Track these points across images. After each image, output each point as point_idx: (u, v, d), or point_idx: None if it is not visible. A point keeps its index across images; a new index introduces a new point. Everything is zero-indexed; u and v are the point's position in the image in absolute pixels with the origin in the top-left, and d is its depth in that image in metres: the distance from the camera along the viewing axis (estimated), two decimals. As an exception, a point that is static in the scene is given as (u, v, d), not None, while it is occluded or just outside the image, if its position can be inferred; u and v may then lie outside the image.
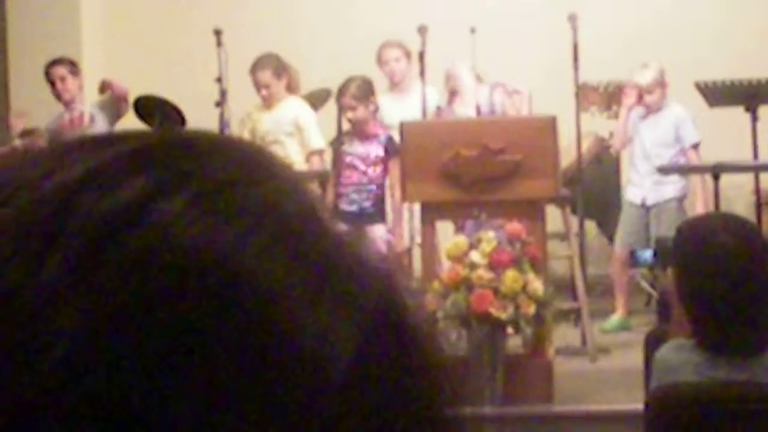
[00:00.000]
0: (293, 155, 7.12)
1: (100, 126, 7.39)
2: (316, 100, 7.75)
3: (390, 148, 6.36)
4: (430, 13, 7.75)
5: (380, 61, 7.35)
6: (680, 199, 7.35)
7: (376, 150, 6.36)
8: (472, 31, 7.22)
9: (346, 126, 6.87)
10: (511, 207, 5.69)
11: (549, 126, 5.77)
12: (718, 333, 2.94)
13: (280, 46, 8.69)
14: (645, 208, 7.24)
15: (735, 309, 2.92)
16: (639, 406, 3.08)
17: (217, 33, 7.20)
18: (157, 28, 9.25)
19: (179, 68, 8.04)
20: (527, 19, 8.53)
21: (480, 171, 5.64)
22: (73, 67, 7.52)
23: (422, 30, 6.92)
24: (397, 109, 7.29)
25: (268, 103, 7.28)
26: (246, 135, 7.28)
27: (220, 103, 7.12)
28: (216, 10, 8.73)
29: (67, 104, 7.47)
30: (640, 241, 7.27)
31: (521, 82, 7.43)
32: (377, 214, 6.29)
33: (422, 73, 6.89)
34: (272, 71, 7.29)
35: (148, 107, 7.97)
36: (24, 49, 8.69)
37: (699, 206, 7.32)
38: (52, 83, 7.46)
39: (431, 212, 5.79)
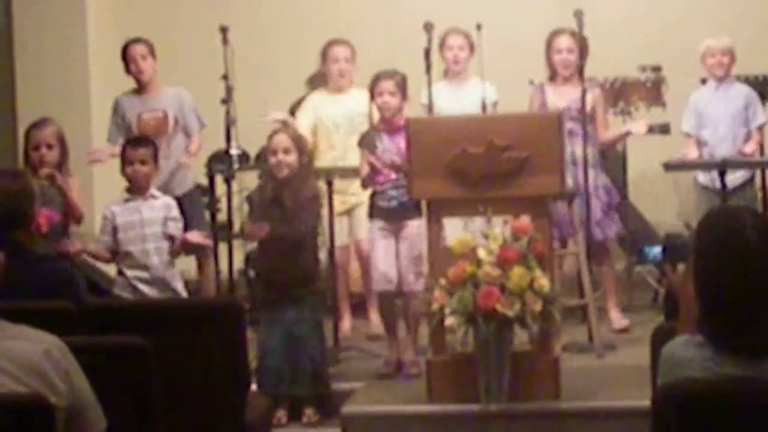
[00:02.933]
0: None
1: (180, 139, 7.28)
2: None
3: None
4: (436, 9, 7.73)
5: (444, 45, 7.27)
6: (751, 180, 7.29)
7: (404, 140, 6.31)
8: (478, 27, 7.21)
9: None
10: (518, 203, 5.68)
11: (555, 122, 5.77)
12: (728, 329, 2.93)
13: (286, 44, 8.71)
14: (718, 191, 7.13)
15: (748, 306, 2.91)
16: (646, 402, 3.07)
17: (223, 30, 7.19)
18: (163, 26, 9.24)
19: (185, 66, 8.03)
20: (533, 14, 8.52)
21: (486, 167, 5.63)
22: (152, 47, 7.31)
23: (428, 27, 6.90)
24: (453, 100, 7.23)
25: (339, 84, 7.20)
26: (308, 123, 7.24)
27: (226, 101, 7.10)
28: (222, 8, 8.73)
29: (144, 87, 7.27)
30: None
31: (526, 78, 7.42)
32: (414, 208, 6.24)
33: (428, 69, 6.88)
34: (351, 50, 7.24)
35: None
36: (30, 49, 8.69)
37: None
38: (131, 62, 7.25)
39: (437, 209, 5.78)
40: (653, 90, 7.77)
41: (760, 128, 7.32)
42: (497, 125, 5.80)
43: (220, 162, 7.40)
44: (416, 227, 6.24)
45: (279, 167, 6.07)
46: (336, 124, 7.22)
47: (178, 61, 8.60)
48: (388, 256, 6.30)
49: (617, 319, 7.11)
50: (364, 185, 6.47)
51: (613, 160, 7.74)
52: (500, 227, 5.59)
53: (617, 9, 8.64)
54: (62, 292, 4.32)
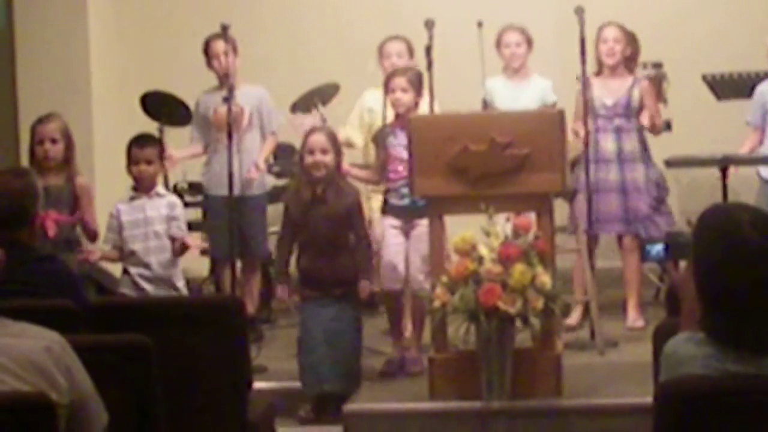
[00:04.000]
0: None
1: (255, 136, 7.25)
2: (324, 94, 7.74)
3: None
4: (436, 6, 7.73)
5: (500, 44, 7.26)
6: None
7: None
8: (479, 24, 7.21)
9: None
10: (519, 201, 5.69)
11: (556, 120, 5.77)
12: (730, 326, 2.93)
13: (287, 42, 8.71)
14: None
15: (749, 304, 2.91)
16: (648, 399, 3.07)
17: (224, 28, 7.19)
18: (164, 25, 9.25)
19: (187, 64, 8.03)
20: (534, 12, 8.51)
21: (487, 165, 5.63)
22: (235, 43, 7.20)
23: (429, 24, 6.90)
24: (512, 96, 7.21)
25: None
26: (364, 129, 7.23)
27: (227, 99, 7.11)
28: (222, 6, 8.73)
29: (222, 82, 7.18)
30: None
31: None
32: (427, 206, 6.24)
33: (429, 67, 6.88)
34: (406, 45, 7.14)
35: (156, 103, 7.98)
36: (31, 46, 8.68)
37: None
38: (214, 57, 7.19)
39: (439, 206, 5.79)
40: (654, 87, 7.76)
41: None
42: (498, 123, 5.80)
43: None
44: (427, 226, 6.25)
45: (317, 166, 6.10)
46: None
47: (179, 59, 8.61)
48: (398, 255, 6.32)
49: (634, 318, 7.10)
50: (375, 181, 6.51)
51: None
52: (501, 224, 5.60)
53: (618, 5, 8.62)
54: (64, 291, 4.32)
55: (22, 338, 2.96)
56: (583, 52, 6.94)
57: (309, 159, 6.13)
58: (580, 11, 6.88)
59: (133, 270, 6.16)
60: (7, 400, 2.83)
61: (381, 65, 7.17)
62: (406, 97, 6.32)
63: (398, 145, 6.28)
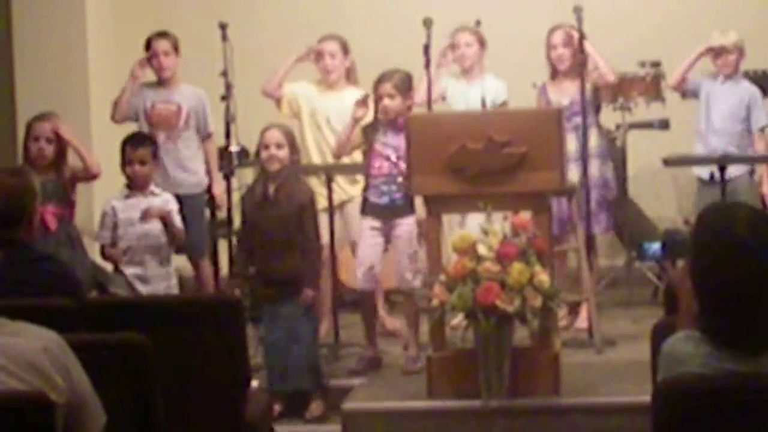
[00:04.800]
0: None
1: (190, 137, 7.25)
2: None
3: None
4: (435, 5, 7.73)
5: (452, 45, 7.28)
6: (751, 173, 7.30)
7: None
8: (478, 23, 7.21)
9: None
10: (517, 199, 5.69)
11: (554, 118, 5.77)
12: (727, 325, 2.93)
13: (285, 40, 8.69)
14: (715, 183, 7.16)
15: (746, 302, 2.91)
16: (646, 397, 3.07)
17: (222, 27, 7.19)
18: (161, 22, 9.23)
19: (184, 62, 8.01)
20: (532, 10, 8.52)
21: (485, 163, 5.63)
22: (177, 43, 7.27)
23: (427, 22, 6.90)
24: (462, 96, 7.23)
25: (330, 77, 7.18)
26: (305, 116, 7.22)
27: (225, 97, 7.11)
28: (221, 4, 8.72)
29: (163, 82, 7.25)
30: None
31: (526, 74, 7.42)
32: (407, 206, 6.26)
33: (427, 65, 6.88)
34: (340, 44, 7.23)
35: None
36: (29, 46, 8.68)
37: (765, 186, 7.29)
38: (154, 56, 7.22)
39: (437, 205, 5.79)
40: (653, 85, 7.76)
41: (762, 130, 7.32)
42: (496, 121, 5.81)
43: (219, 159, 7.41)
44: (409, 225, 6.28)
45: (270, 161, 6.11)
46: (327, 119, 7.20)
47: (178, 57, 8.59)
48: (375, 255, 6.33)
49: (582, 318, 7.03)
50: (337, 153, 6.64)
51: (612, 155, 7.74)
52: (500, 223, 5.60)
53: (616, 4, 8.64)
54: (62, 290, 4.32)
55: (19, 338, 2.95)
56: (581, 51, 6.94)
57: (263, 153, 6.16)
58: (578, 10, 6.89)
59: (127, 270, 6.17)
60: (4, 399, 2.82)
61: (316, 65, 7.20)
62: (394, 103, 6.32)
63: (384, 142, 6.30)
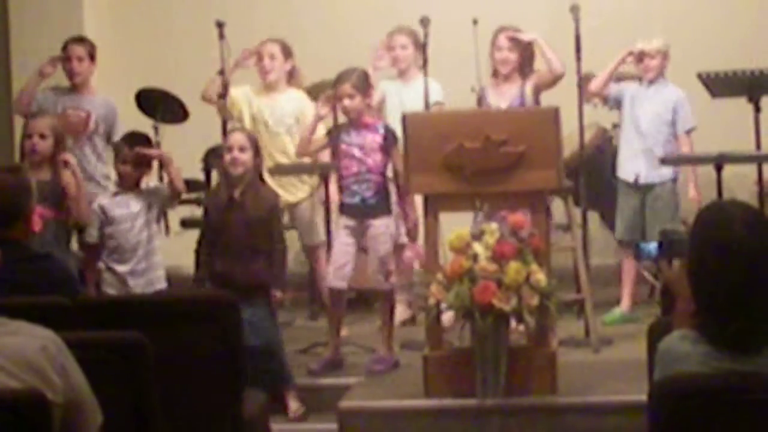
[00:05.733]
0: (291, 148, 7.10)
1: (96, 143, 7.26)
2: (319, 91, 7.73)
3: (388, 136, 6.36)
4: (432, 4, 7.73)
5: (387, 46, 7.32)
6: (674, 180, 7.35)
7: (372, 138, 6.35)
8: (475, 22, 7.20)
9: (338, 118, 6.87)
10: (514, 198, 5.69)
11: (552, 117, 5.77)
12: (723, 324, 2.94)
13: (282, 38, 8.68)
14: (638, 187, 7.24)
15: (742, 301, 2.92)
16: (642, 397, 3.08)
17: (219, 25, 7.19)
18: (159, 21, 9.24)
19: (181, 61, 8.04)
20: (529, 9, 8.52)
21: (483, 162, 5.64)
22: (93, 50, 7.31)
23: (424, 21, 6.91)
24: (398, 98, 7.28)
25: (267, 78, 7.20)
26: (246, 119, 7.23)
27: (222, 96, 7.11)
28: (218, 3, 8.72)
29: (75, 87, 7.30)
30: (637, 225, 7.27)
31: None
32: (381, 206, 6.29)
33: (425, 64, 6.89)
34: (280, 46, 7.25)
35: (151, 100, 7.97)
36: (26, 45, 8.68)
37: (691, 191, 7.32)
38: (67, 60, 7.25)
39: (434, 204, 5.79)
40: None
41: (689, 132, 7.37)
42: (494, 120, 5.81)
43: (216, 156, 7.41)
44: (382, 226, 6.30)
45: (234, 164, 6.11)
46: (265, 122, 7.22)
47: (175, 56, 8.60)
48: (347, 254, 6.34)
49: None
50: (300, 152, 6.73)
51: (608, 155, 7.75)
52: (497, 222, 5.60)
53: (613, 3, 8.64)
54: (59, 289, 4.32)
55: (17, 337, 2.95)
56: (578, 50, 6.94)
57: (227, 156, 6.15)
58: (575, 9, 6.89)
59: (118, 268, 6.18)
60: (2, 398, 2.82)
61: (257, 65, 7.23)
62: (354, 103, 6.35)
63: (350, 143, 6.33)
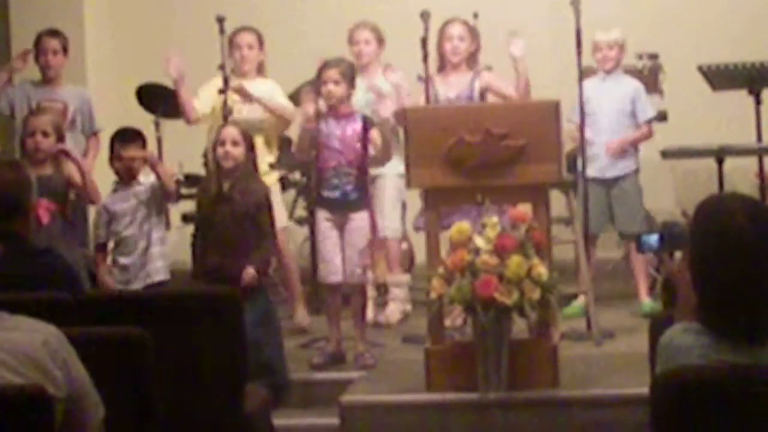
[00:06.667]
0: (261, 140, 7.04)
1: (76, 135, 7.24)
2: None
3: (367, 124, 6.36)
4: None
5: (350, 40, 7.33)
6: (636, 172, 7.36)
7: (352, 127, 6.34)
8: (475, 16, 7.20)
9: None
10: (515, 192, 5.69)
11: (552, 111, 5.77)
12: (725, 316, 2.94)
13: (281, 33, 8.69)
14: (604, 182, 7.24)
15: (745, 294, 2.91)
16: (644, 389, 3.07)
17: (220, 20, 7.18)
18: (159, 16, 9.24)
19: (183, 56, 8.00)
20: (530, 3, 8.51)
21: (483, 156, 5.63)
22: (66, 43, 7.34)
23: (425, 15, 6.90)
24: (360, 91, 7.25)
25: (243, 68, 7.17)
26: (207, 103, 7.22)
27: (223, 91, 7.10)
28: (218, -2, 8.71)
29: (49, 81, 7.30)
30: (605, 220, 7.28)
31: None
32: (361, 200, 6.29)
33: (425, 59, 6.87)
34: (256, 36, 7.24)
35: (152, 95, 7.97)
36: (27, 43, 8.66)
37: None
38: (41, 54, 7.28)
39: (435, 198, 5.79)
40: (650, 77, 7.77)
41: (649, 123, 7.38)
42: (494, 113, 5.81)
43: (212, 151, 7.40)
44: (361, 220, 6.30)
45: (226, 158, 6.13)
46: (238, 111, 7.20)
47: (175, 52, 8.58)
48: (334, 247, 6.34)
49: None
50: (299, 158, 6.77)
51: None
52: (497, 216, 5.60)
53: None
54: (61, 284, 4.32)
55: (18, 332, 2.95)
56: (578, 44, 6.93)
57: (219, 150, 6.16)
58: (575, 3, 6.88)
59: (122, 260, 6.20)
60: (4, 393, 2.83)
61: (231, 55, 7.20)
62: (338, 90, 6.35)
63: (329, 134, 6.32)
